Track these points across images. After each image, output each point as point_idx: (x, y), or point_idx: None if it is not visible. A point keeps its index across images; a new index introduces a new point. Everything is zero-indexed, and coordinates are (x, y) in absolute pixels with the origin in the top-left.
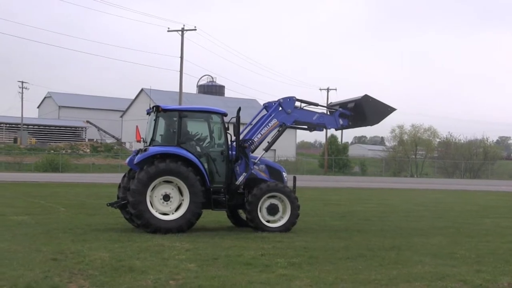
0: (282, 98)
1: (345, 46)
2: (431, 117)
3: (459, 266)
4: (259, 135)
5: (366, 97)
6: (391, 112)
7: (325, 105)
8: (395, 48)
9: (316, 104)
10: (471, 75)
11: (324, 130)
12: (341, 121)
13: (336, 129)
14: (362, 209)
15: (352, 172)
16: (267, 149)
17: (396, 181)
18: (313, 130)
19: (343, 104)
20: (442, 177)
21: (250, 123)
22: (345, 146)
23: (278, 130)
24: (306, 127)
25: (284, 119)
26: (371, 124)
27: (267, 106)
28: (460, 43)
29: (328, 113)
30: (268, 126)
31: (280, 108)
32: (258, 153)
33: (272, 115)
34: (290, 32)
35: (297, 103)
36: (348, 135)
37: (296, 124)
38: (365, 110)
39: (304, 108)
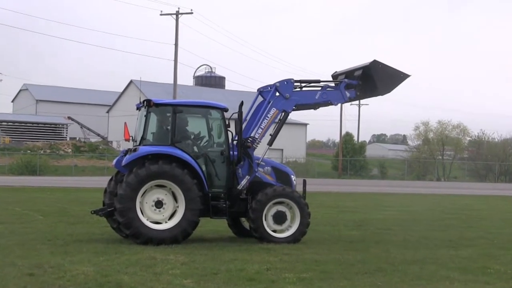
0: (279, 82)
1: (362, 33)
2: (461, 112)
3: (493, 282)
4: (259, 130)
5: (375, 62)
6: (404, 79)
7: (328, 79)
8: (420, 34)
9: (318, 81)
10: (505, 64)
11: (338, 116)
12: (347, 94)
13: (343, 103)
14: (381, 217)
15: (370, 175)
16: (271, 143)
17: (420, 185)
18: (318, 108)
19: (349, 73)
20: (473, 181)
21: (245, 119)
22: (362, 146)
23: (280, 119)
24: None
25: (284, 105)
26: (383, 93)
27: (262, 91)
28: (495, 28)
29: (334, 85)
30: (268, 117)
31: (278, 94)
32: (262, 149)
33: (270, 103)
34: (299, 18)
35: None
36: (366, 133)
37: (298, 108)
38: (374, 78)
39: (304, 88)
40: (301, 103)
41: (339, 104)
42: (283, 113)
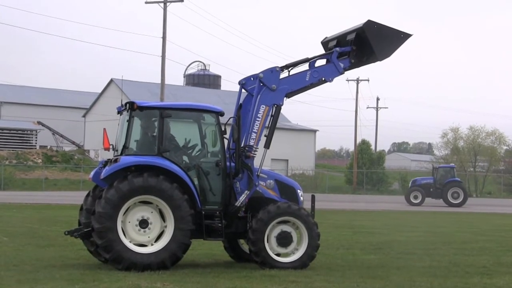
0: (262, 72)
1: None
2: (496, 116)
3: None
4: (253, 135)
5: (369, 23)
6: (405, 40)
7: (318, 54)
8: (451, 26)
9: (307, 60)
10: None
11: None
12: (341, 64)
13: (338, 76)
14: (403, 239)
15: (390, 190)
16: (268, 145)
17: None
18: (313, 88)
19: (341, 38)
20: (510, 197)
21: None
22: (381, 156)
23: (272, 115)
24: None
25: (273, 99)
26: (381, 58)
27: (244, 84)
28: None
29: (324, 58)
30: (258, 118)
31: (262, 84)
32: (258, 156)
33: (257, 100)
34: (306, 6)
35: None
36: (385, 141)
37: (290, 96)
38: (370, 41)
39: (292, 72)
40: (292, 91)
41: (334, 79)
42: (274, 107)
